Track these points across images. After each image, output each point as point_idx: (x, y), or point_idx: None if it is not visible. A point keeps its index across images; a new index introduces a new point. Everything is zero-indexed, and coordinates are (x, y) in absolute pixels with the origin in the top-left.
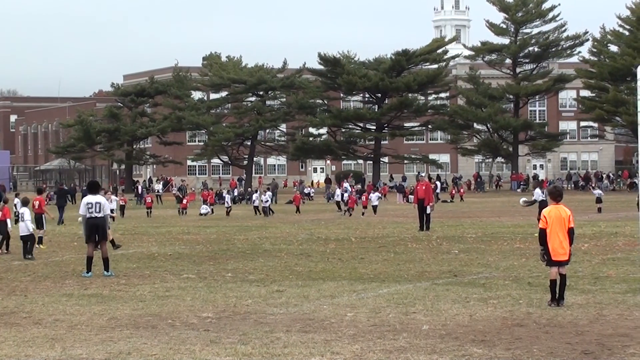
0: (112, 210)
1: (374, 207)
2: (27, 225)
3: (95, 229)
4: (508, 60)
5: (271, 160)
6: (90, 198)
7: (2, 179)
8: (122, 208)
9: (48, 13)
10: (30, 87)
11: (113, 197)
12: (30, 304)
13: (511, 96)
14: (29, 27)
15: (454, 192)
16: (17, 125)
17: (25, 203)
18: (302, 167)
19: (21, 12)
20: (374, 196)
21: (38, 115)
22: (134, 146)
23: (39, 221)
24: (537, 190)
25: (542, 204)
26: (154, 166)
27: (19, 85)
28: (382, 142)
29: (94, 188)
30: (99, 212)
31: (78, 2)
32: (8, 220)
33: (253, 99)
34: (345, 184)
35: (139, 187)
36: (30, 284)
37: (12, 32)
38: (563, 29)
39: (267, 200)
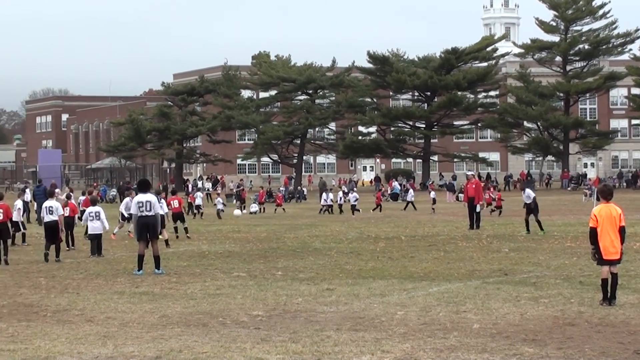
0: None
1: (353, 207)
2: (102, 224)
3: (146, 228)
4: (558, 58)
5: (320, 159)
6: (141, 197)
7: (54, 178)
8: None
9: (99, 15)
10: (82, 86)
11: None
12: (82, 301)
13: (561, 94)
14: (80, 28)
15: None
16: (69, 124)
17: (94, 202)
18: (351, 166)
19: (72, 15)
20: (352, 196)
21: (89, 114)
22: (184, 145)
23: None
24: (528, 190)
25: (529, 207)
26: (204, 165)
27: (70, 85)
28: (431, 141)
29: (144, 187)
30: (150, 210)
31: (129, 4)
32: (75, 217)
33: (302, 97)
34: (395, 183)
35: (189, 186)
36: (83, 281)
37: (63, 33)
38: (613, 26)
39: (357, 199)
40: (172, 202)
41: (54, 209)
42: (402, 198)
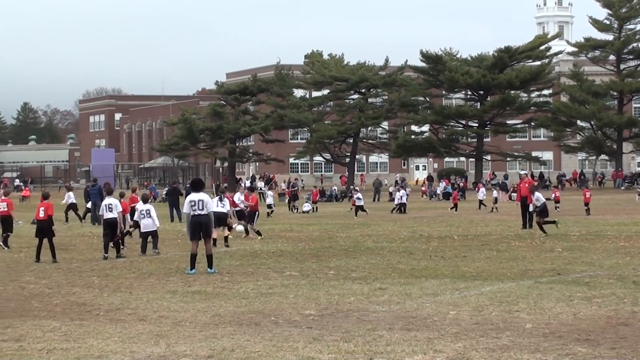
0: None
1: (360, 207)
2: (153, 221)
3: (199, 227)
4: (612, 57)
5: (373, 158)
6: (194, 196)
7: (108, 177)
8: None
9: (151, 14)
10: (135, 85)
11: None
12: (135, 300)
13: (615, 93)
14: (132, 27)
15: (557, 193)
16: (122, 124)
17: (145, 199)
18: (404, 165)
19: (125, 14)
20: (402, 194)
21: (142, 114)
22: (237, 144)
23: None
24: (537, 194)
25: (542, 208)
26: (257, 164)
27: (123, 84)
28: (484, 140)
29: (197, 186)
30: (202, 209)
31: (184, 3)
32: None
33: (355, 96)
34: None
35: (242, 185)
36: (135, 280)
37: (116, 32)
38: None
39: (406, 195)
40: (248, 199)
41: (113, 206)
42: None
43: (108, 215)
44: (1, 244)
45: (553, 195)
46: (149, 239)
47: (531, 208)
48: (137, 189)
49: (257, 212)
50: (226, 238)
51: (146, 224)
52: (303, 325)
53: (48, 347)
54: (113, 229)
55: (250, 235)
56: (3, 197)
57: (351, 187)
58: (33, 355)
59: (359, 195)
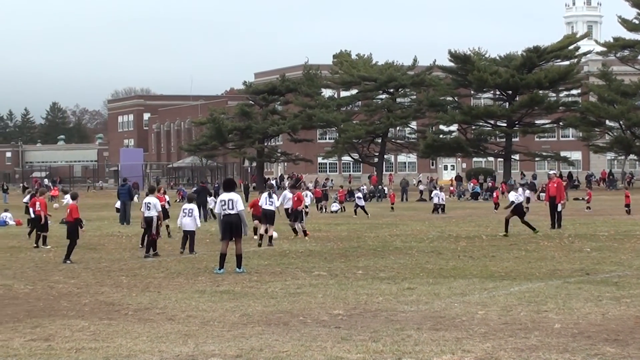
0: (306, 206)
1: (362, 207)
2: (194, 221)
3: (230, 226)
4: None
5: (401, 158)
6: (224, 195)
7: (136, 177)
8: None
9: (180, 15)
10: (163, 85)
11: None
12: (163, 300)
13: None
14: (161, 28)
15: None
16: (151, 123)
17: (190, 199)
18: (432, 165)
19: (153, 15)
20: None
21: (171, 114)
22: (265, 144)
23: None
24: (512, 192)
25: (517, 207)
26: (285, 164)
27: (152, 84)
28: (512, 140)
29: (229, 186)
30: (233, 209)
31: (211, 3)
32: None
33: (383, 96)
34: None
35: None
36: (164, 280)
37: (145, 33)
38: None
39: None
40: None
41: (152, 204)
42: (484, 197)
43: (147, 213)
44: (40, 245)
45: (587, 196)
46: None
47: (559, 208)
48: (162, 189)
49: (302, 210)
50: (270, 238)
51: (186, 223)
52: (331, 325)
53: (77, 347)
54: (150, 227)
55: (299, 236)
56: (38, 197)
57: (356, 189)
58: (62, 354)
59: (360, 194)
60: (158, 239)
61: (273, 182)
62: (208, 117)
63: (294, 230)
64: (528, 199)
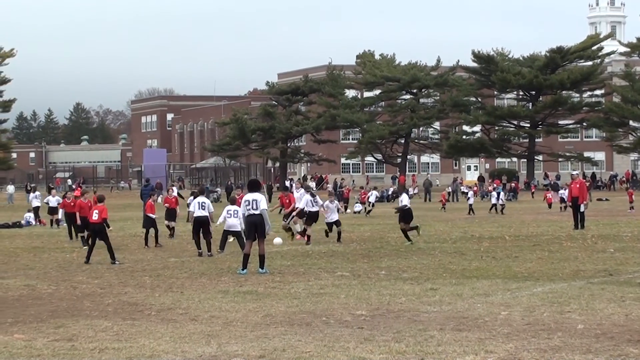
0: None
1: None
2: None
3: (254, 227)
4: None
5: (425, 158)
6: (249, 196)
7: (160, 177)
8: None
9: (203, 15)
10: (187, 86)
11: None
12: (186, 300)
13: None
14: (184, 28)
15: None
16: (174, 124)
17: (232, 201)
18: (455, 165)
19: (177, 15)
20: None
21: (194, 114)
22: (289, 144)
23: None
24: (404, 195)
25: (407, 212)
26: (308, 164)
27: (175, 84)
28: (536, 140)
29: (253, 186)
30: (256, 209)
31: (234, 4)
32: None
33: (407, 96)
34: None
35: (293, 185)
36: (187, 280)
37: (168, 33)
38: None
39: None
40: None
41: (206, 204)
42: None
43: (200, 213)
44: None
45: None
46: (229, 238)
47: (582, 208)
48: (171, 190)
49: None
50: (309, 237)
51: (231, 224)
52: (354, 325)
53: (100, 347)
54: (204, 227)
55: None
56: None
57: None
58: (85, 354)
59: (375, 193)
60: (211, 239)
61: (287, 182)
62: (231, 117)
63: (287, 229)
64: (563, 199)
